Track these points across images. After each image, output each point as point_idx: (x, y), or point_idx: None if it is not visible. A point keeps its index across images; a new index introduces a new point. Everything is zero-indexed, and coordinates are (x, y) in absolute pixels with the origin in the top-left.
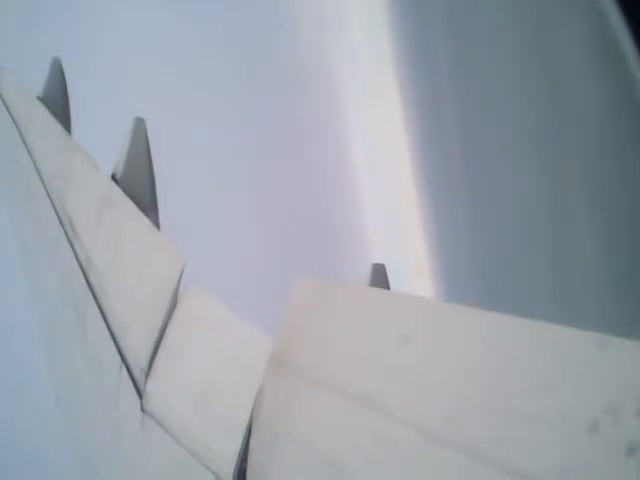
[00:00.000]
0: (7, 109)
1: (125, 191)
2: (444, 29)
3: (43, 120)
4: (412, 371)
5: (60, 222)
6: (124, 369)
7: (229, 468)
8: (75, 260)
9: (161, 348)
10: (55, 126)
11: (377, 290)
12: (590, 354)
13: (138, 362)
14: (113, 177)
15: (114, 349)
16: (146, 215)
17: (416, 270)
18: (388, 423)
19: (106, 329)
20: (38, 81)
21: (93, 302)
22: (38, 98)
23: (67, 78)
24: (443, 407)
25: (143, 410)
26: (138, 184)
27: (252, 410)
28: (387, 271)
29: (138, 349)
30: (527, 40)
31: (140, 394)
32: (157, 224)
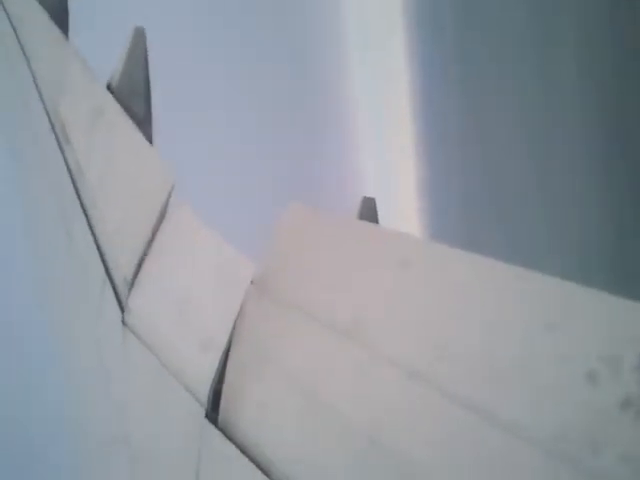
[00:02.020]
0: (4, 8)
1: (120, 101)
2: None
3: (40, 23)
4: (402, 305)
5: (52, 127)
6: (107, 283)
7: (205, 387)
8: (65, 167)
9: (145, 262)
10: (53, 30)
11: (367, 223)
12: (591, 302)
13: (122, 273)
14: (108, 86)
15: (99, 261)
16: (140, 127)
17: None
18: (370, 357)
19: (92, 239)
20: None
21: (81, 211)
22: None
23: None
24: (431, 345)
25: (124, 324)
26: (133, 95)
27: (231, 331)
28: (376, 205)
29: (123, 260)
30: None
31: (122, 307)
32: (150, 138)
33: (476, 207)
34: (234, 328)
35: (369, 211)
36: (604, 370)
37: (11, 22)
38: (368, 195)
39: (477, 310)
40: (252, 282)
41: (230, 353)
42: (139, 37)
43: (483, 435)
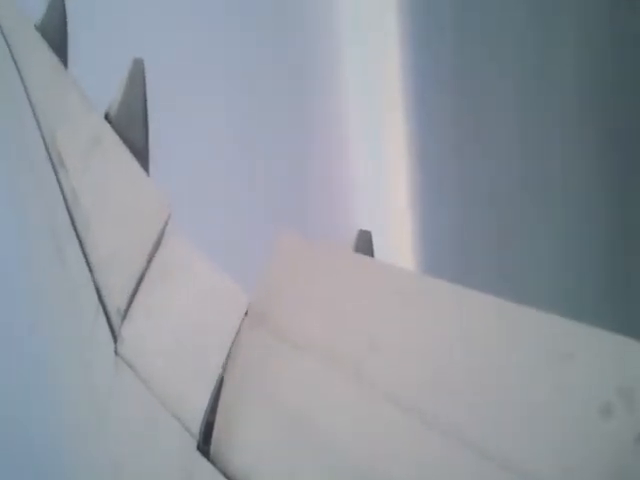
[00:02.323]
0: (3, 35)
1: (117, 132)
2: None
3: (40, 51)
4: (401, 341)
5: (48, 155)
6: (101, 310)
7: (197, 419)
8: (60, 193)
9: (139, 292)
10: (51, 57)
11: (362, 256)
12: (601, 340)
13: (116, 302)
14: (106, 116)
15: (92, 288)
16: (136, 157)
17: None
18: (368, 391)
19: (86, 267)
20: (38, 8)
21: (75, 237)
22: (36, 27)
23: (67, 8)
24: (433, 382)
25: (117, 353)
26: (131, 126)
27: (224, 363)
28: (372, 238)
29: (117, 290)
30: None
31: (115, 337)
32: (147, 168)
33: (471, 211)
34: (228, 359)
35: (365, 244)
36: (619, 403)
37: (10, 51)
38: (363, 229)
39: (480, 347)
40: (247, 313)
41: (224, 384)
42: (138, 68)
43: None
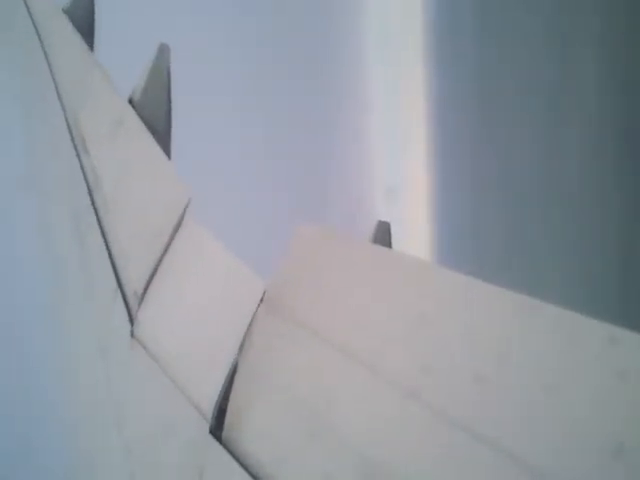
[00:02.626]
0: (31, 17)
1: (140, 116)
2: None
3: (65, 32)
4: (414, 333)
5: (71, 137)
6: (119, 293)
7: (211, 403)
8: (82, 177)
9: (156, 276)
10: (77, 40)
11: (379, 247)
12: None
13: (133, 285)
14: (130, 100)
15: (111, 271)
16: (159, 142)
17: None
18: (375, 381)
19: (105, 250)
20: None
21: (95, 221)
22: (64, 10)
23: None
24: (447, 379)
25: (133, 336)
26: (154, 110)
27: (238, 350)
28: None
29: (135, 273)
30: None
31: (132, 319)
32: (169, 152)
33: (486, 204)
34: (242, 345)
35: (383, 235)
36: (633, 442)
37: (38, 33)
38: (382, 219)
39: (514, 346)
40: (263, 300)
41: (238, 370)
42: (163, 53)
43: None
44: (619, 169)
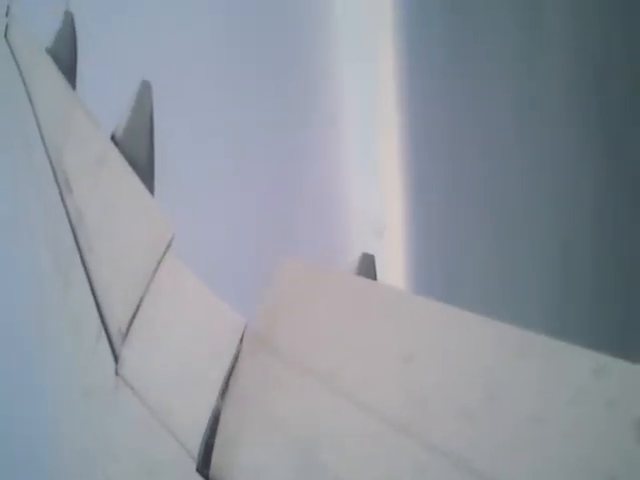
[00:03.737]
0: (13, 56)
1: (123, 153)
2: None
3: (48, 72)
4: (407, 370)
5: (55, 175)
6: (103, 332)
7: (197, 441)
8: (65, 215)
9: (139, 313)
10: (59, 79)
11: (364, 280)
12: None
13: (117, 323)
14: (112, 138)
15: (95, 311)
16: (142, 178)
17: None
18: (364, 416)
19: (89, 288)
20: (48, 32)
21: (79, 258)
22: (47, 50)
23: (78, 33)
24: (436, 412)
25: (117, 374)
26: (137, 148)
27: (222, 386)
28: (376, 262)
29: (119, 311)
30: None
31: (116, 357)
32: (152, 187)
33: (466, 225)
34: (227, 382)
35: (368, 267)
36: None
37: (21, 73)
38: (367, 252)
39: (499, 377)
40: (249, 334)
41: (224, 407)
42: (145, 90)
43: None
44: (600, 168)
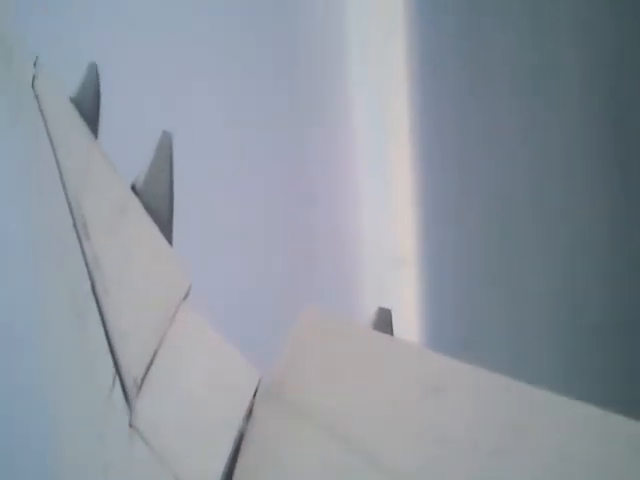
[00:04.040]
0: (39, 104)
1: (143, 203)
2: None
3: (71, 121)
4: (426, 431)
5: (73, 221)
6: (117, 381)
7: None
8: (83, 261)
9: (154, 364)
10: (82, 128)
11: (381, 335)
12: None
13: (133, 372)
14: (133, 187)
15: (110, 359)
16: (160, 228)
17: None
18: (380, 475)
19: (104, 336)
20: (73, 80)
21: (95, 305)
22: (70, 99)
23: (101, 83)
24: (452, 474)
25: (131, 425)
26: (157, 198)
27: (235, 440)
28: (392, 316)
29: (134, 361)
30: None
31: (130, 407)
32: (170, 237)
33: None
34: (242, 435)
35: (384, 322)
36: None
37: (45, 120)
38: (383, 306)
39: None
40: (265, 388)
41: (238, 462)
42: (166, 141)
43: None
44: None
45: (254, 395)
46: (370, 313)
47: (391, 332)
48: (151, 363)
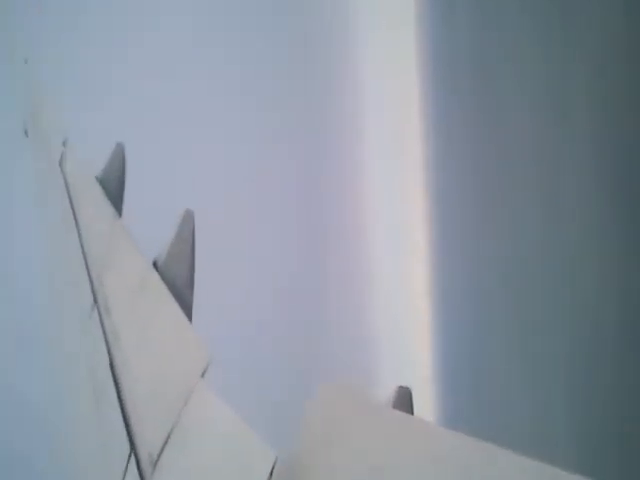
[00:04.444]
0: (65, 184)
1: (164, 279)
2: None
3: (96, 200)
4: None
5: (94, 299)
6: (133, 458)
7: None
8: (103, 338)
9: (170, 442)
10: (106, 206)
11: (400, 414)
12: None
13: (148, 448)
14: (154, 264)
15: (125, 435)
16: (181, 305)
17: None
18: None
19: (120, 413)
20: (99, 157)
21: (112, 382)
22: (96, 178)
23: (127, 163)
24: None
25: None
26: (178, 274)
27: None
28: (412, 396)
29: (150, 434)
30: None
31: None
32: (190, 315)
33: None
34: None
35: (404, 400)
36: None
37: (70, 198)
38: (402, 385)
39: None
40: (280, 467)
41: None
42: (188, 219)
43: None
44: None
45: (270, 475)
46: (389, 391)
47: (411, 411)
48: (166, 441)
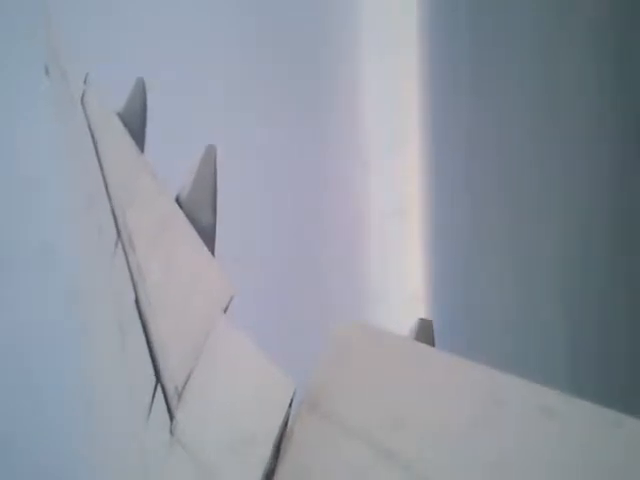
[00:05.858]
0: (87, 120)
1: (187, 214)
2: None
3: (118, 136)
4: (469, 444)
5: (118, 234)
6: (159, 389)
7: None
8: (128, 273)
9: (194, 374)
10: (128, 143)
11: (422, 346)
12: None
13: (174, 381)
14: (177, 199)
15: (151, 368)
16: (204, 238)
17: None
18: None
19: (146, 347)
20: (121, 94)
21: (138, 318)
22: (118, 114)
23: (148, 98)
24: None
25: (172, 433)
26: (200, 209)
27: (273, 448)
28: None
29: (175, 367)
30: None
31: (171, 416)
32: (213, 250)
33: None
34: (280, 443)
35: (425, 333)
36: None
37: (92, 134)
38: (424, 317)
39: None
40: (302, 399)
41: (277, 469)
42: (209, 153)
43: None
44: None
45: (290, 405)
46: (410, 324)
47: (432, 343)
48: (190, 373)
